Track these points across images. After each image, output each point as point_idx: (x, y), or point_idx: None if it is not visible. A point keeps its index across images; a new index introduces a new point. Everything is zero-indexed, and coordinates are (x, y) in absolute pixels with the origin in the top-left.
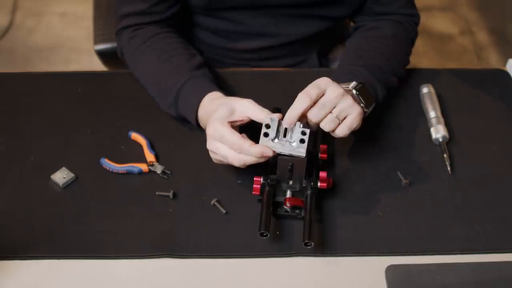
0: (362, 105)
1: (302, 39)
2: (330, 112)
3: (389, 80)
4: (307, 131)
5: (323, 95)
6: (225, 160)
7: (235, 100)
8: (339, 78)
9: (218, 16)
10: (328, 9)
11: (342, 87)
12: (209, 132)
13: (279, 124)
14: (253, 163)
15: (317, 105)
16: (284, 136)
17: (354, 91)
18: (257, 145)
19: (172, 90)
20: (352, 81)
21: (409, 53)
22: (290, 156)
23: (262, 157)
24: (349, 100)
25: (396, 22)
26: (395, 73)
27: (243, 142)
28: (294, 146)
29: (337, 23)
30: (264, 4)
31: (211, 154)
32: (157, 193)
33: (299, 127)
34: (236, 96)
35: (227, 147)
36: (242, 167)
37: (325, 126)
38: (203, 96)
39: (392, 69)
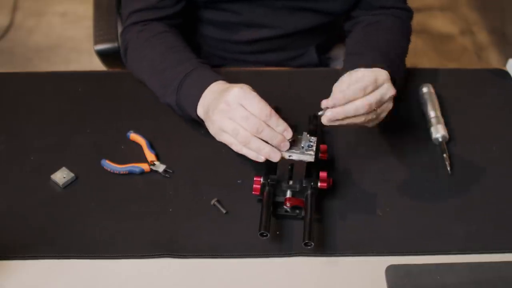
0: None
1: (300, 32)
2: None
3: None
4: (314, 139)
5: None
6: (232, 134)
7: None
8: (379, 61)
9: (217, 8)
10: (323, 3)
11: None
12: (232, 93)
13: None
14: (256, 150)
15: (369, 107)
16: (291, 146)
17: None
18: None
19: (179, 75)
20: (389, 67)
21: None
22: (299, 160)
23: (279, 143)
24: (391, 101)
25: (395, 17)
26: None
27: (273, 111)
28: (303, 150)
29: (335, 19)
30: None
31: (219, 125)
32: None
33: (306, 136)
34: None
35: (244, 116)
36: (241, 151)
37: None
38: (210, 84)
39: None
